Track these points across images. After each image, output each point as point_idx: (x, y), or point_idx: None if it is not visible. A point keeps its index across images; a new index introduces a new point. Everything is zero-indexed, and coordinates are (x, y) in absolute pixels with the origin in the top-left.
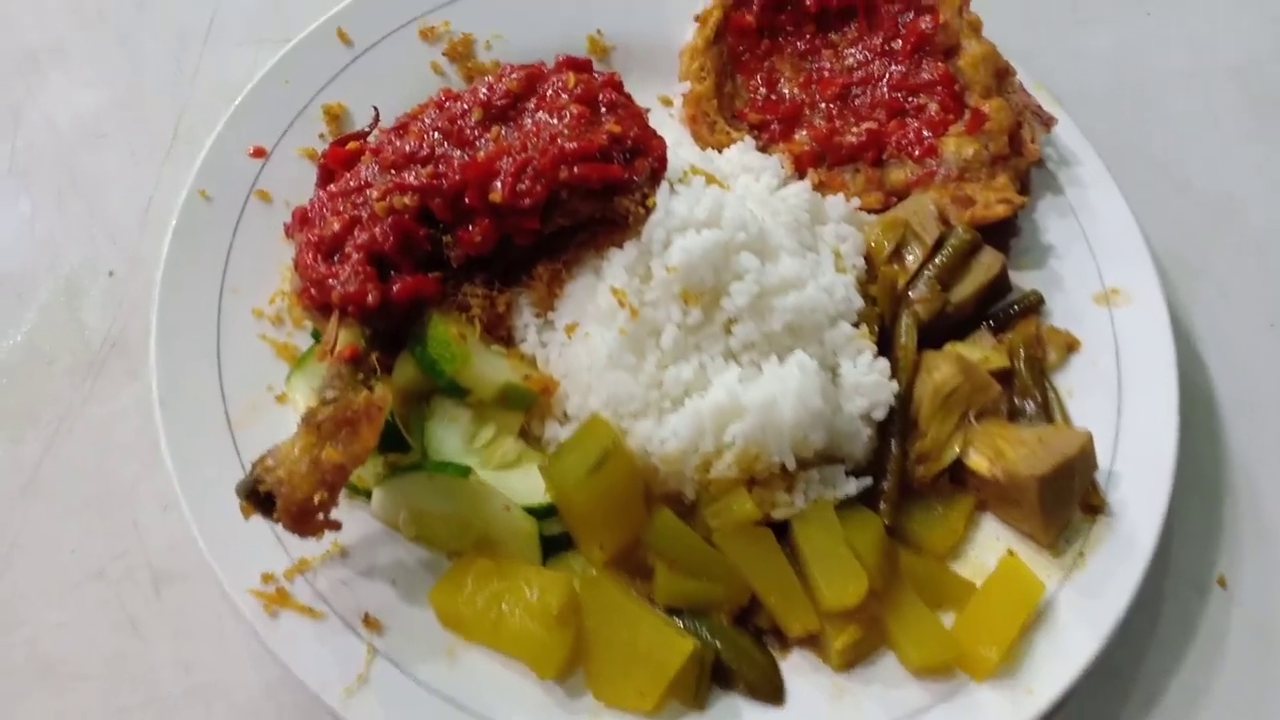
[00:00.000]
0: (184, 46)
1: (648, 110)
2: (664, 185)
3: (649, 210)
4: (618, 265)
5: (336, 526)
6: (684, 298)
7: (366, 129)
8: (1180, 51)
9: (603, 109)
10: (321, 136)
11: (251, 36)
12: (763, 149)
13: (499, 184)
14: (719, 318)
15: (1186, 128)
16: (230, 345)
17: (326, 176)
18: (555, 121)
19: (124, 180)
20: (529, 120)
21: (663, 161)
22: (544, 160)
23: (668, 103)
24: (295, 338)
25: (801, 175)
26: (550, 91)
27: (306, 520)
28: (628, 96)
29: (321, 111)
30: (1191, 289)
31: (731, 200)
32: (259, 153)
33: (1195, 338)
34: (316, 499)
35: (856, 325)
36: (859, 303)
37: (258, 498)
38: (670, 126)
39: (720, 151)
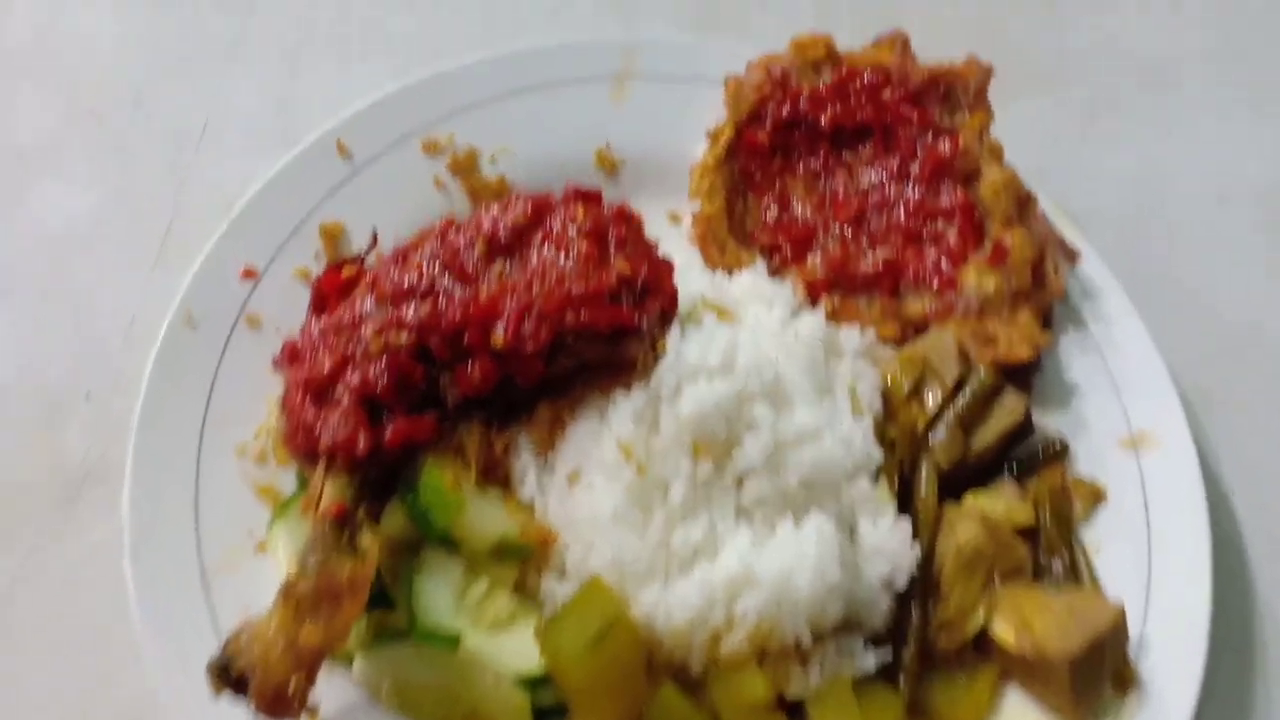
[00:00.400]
0: (179, 149)
1: (657, 243)
2: (675, 327)
3: (659, 355)
4: (624, 412)
5: (314, 713)
6: (695, 450)
7: (363, 253)
8: (1204, 173)
9: (612, 245)
10: (316, 256)
11: (249, 142)
12: (774, 272)
13: (501, 327)
14: (730, 471)
15: (1211, 252)
16: (209, 487)
17: (320, 304)
18: (562, 259)
19: (109, 291)
20: (535, 256)
21: (673, 302)
22: (549, 303)
23: (677, 219)
24: (279, 478)
25: (814, 302)
26: (558, 225)
27: (281, 705)
28: (638, 230)
29: (318, 230)
30: (1217, 422)
31: (745, 343)
32: (250, 274)
33: (1221, 475)
34: (293, 683)
35: (875, 479)
36: (878, 455)
37: (229, 678)
38: (679, 245)
39: (730, 274)
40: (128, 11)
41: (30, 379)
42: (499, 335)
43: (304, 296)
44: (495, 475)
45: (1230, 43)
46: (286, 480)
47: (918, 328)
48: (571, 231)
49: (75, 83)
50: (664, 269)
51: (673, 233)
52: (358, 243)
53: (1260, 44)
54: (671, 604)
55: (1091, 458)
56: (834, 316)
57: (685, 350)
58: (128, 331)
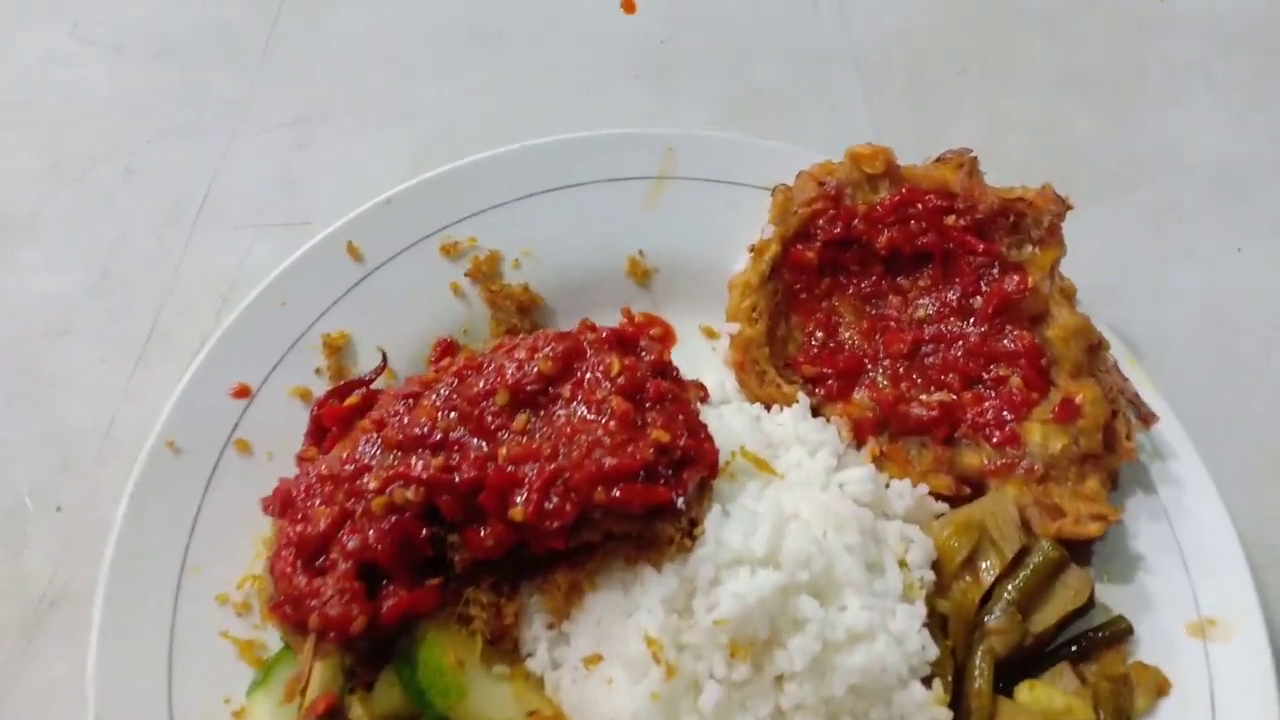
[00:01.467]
0: (171, 225)
1: (697, 387)
2: (715, 509)
3: (695, 538)
4: (654, 596)
5: None
6: (732, 650)
7: (371, 375)
8: (1276, 297)
9: (648, 403)
10: (318, 372)
11: (249, 219)
12: (817, 409)
13: (522, 497)
14: (770, 670)
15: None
16: (185, 645)
17: (319, 433)
18: (593, 417)
19: (87, 388)
20: (562, 412)
21: (714, 469)
22: (578, 475)
23: (713, 335)
24: (263, 631)
25: (860, 442)
26: (590, 376)
27: None
28: (678, 383)
29: (320, 341)
30: None
31: (792, 526)
32: (242, 392)
33: None
34: None
35: (929, 680)
36: (934, 652)
37: None
38: (713, 364)
39: (768, 407)
40: (125, 65)
41: None
42: (519, 509)
43: (301, 418)
44: (503, 642)
45: None
46: (271, 637)
47: (973, 484)
48: (604, 386)
49: (61, 142)
50: (705, 434)
51: (706, 349)
52: (364, 356)
53: None
54: None
55: (1155, 642)
56: (881, 462)
57: (725, 534)
58: (106, 435)
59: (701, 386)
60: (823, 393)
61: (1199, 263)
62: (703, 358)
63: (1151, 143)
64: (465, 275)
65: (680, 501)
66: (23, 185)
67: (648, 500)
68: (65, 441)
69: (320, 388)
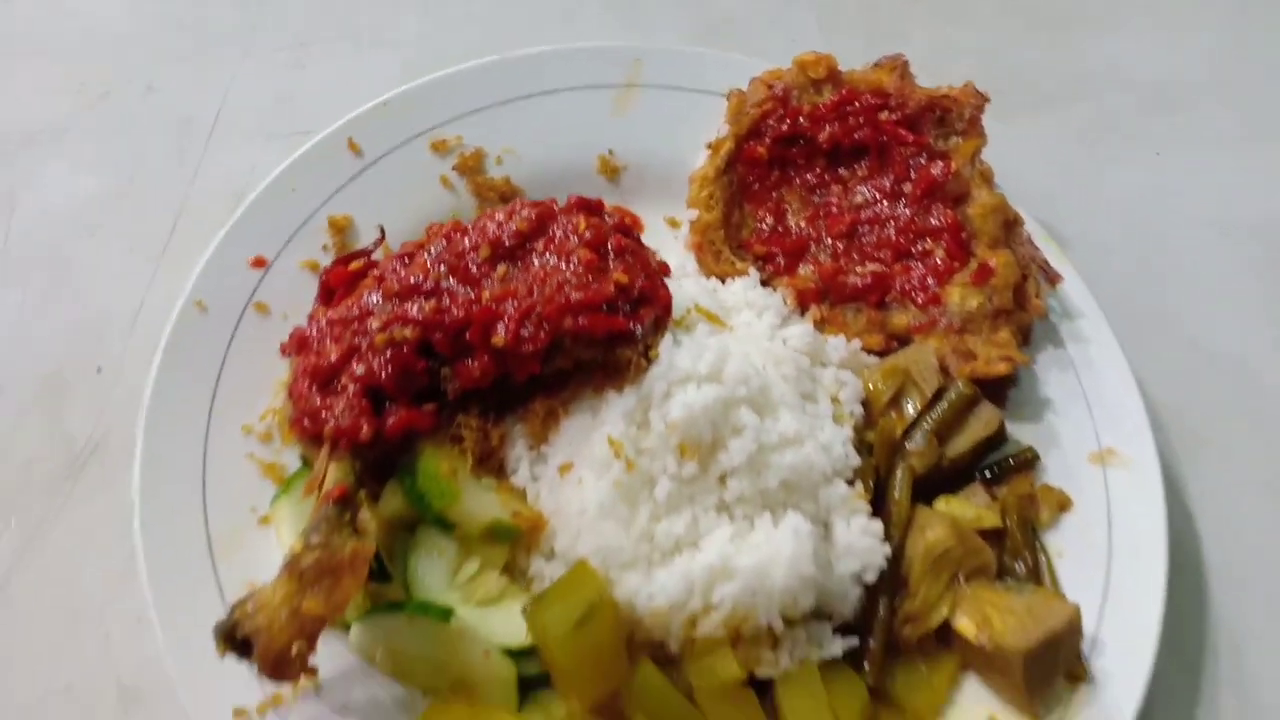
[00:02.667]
0: (189, 136)
1: (657, 255)
2: (668, 337)
3: (651, 361)
4: (616, 411)
5: (313, 673)
6: (681, 451)
7: (371, 247)
8: (1195, 203)
9: (611, 254)
10: (325, 248)
11: (260, 130)
12: (766, 281)
13: (502, 327)
14: (714, 470)
15: (1199, 283)
16: (216, 463)
17: (327, 295)
18: (563, 266)
19: (118, 275)
20: (536, 261)
21: (667, 310)
22: (549, 308)
23: (675, 224)
24: (283, 455)
25: (804, 311)
26: (560, 233)
27: (283, 668)
28: (637, 241)
29: (327, 223)
30: (1191, 449)
31: (734, 352)
32: (259, 263)
33: (1190, 498)
34: (294, 649)
35: (852, 482)
36: (856, 460)
37: (235, 641)
38: (675, 249)
39: (724, 281)
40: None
41: (38, 356)
42: (500, 335)
43: (311, 286)
44: (490, 464)
45: (1226, 73)
46: (290, 459)
47: (901, 340)
48: (573, 240)
49: (86, 67)
50: (660, 280)
51: (670, 238)
52: (365, 236)
53: (1255, 75)
54: (653, 589)
55: (1061, 470)
56: (821, 325)
57: (677, 358)
58: (136, 315)
59: (665, 264)
60: (771, 269)
61: (1126, 171)
62: (666, 244)
63: (1089, 65)
64: (453, 169)
65: (638, 331)
66: (51, 104)
67: (608, 328)
68: (100, 320)
69: (327, 261)
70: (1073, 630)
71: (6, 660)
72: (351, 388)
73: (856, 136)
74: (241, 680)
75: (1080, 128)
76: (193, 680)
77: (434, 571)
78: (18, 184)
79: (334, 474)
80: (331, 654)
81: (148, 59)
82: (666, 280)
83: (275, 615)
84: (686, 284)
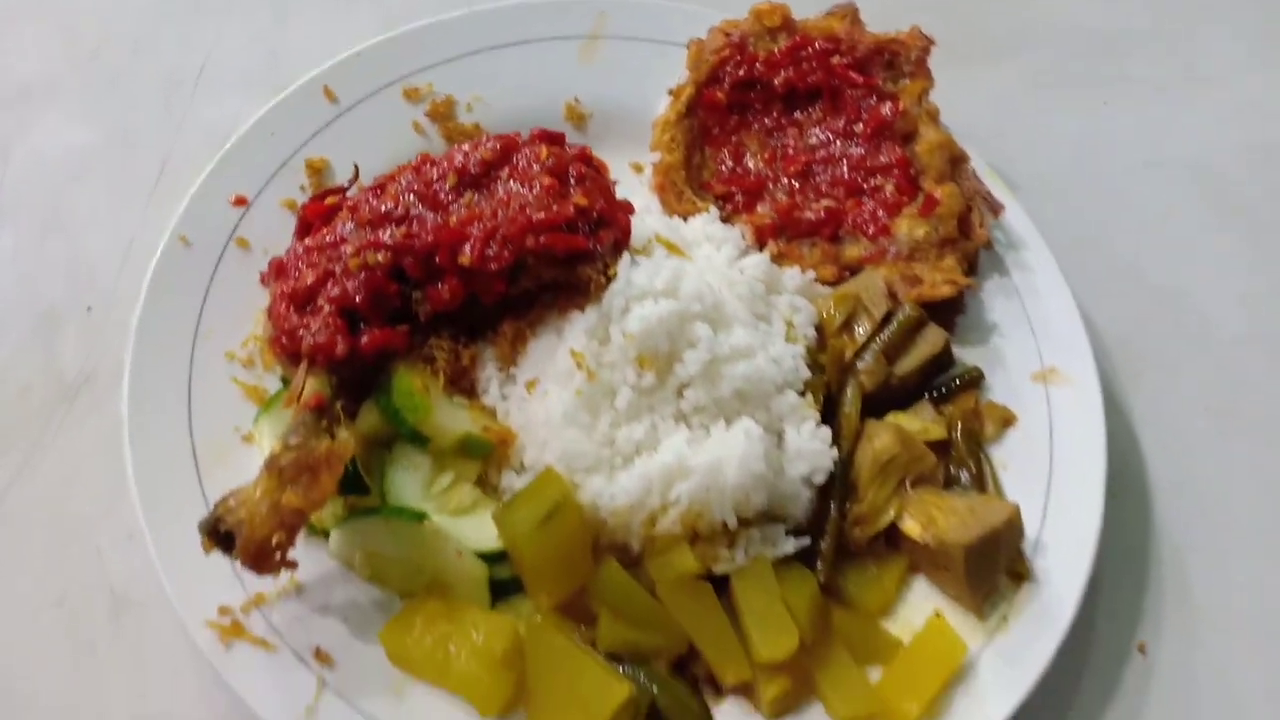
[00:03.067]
0: (174, 91)
1: (616, 183)
2: (626, 256)
3: (610, 279)
4: (578, 328)
5: (293, 566)
6: (639, 362)
7: (346, 184)
8: (1139, 142)
9: (572, 181)
10: (302, 188)
11: (241, 85)
12: (726, 219)
13: (468, 248)
14: (672, 382)
15: (1141, 217)
16: (201, 386)
17: (304, 228)
18: (525, 191)
19: (108, 219)
20: (501, 188)
21: (626, 233)
22: (512, 228)
23: (639, 169)
24: (265, 381)
25: (761, 246)
26: (523, 162)
27: (264, 559)
28: (597, 169)
29: (304, 164)
30: (1134, 371)
31: (690, 272)
32: (240, 201)
33: (1134, 417)
34: (275, 540)
35: (803, 394)
36: (805, 373)
37: (218, 535)
38: (639, 193)
39: (685, 219)
40: None
41: (32, 294)
42: (466, 255)
43: (290, 224)
44: (461, 385)
45: (1168, 22)
46: (272, 383)
47: (853, 271)
48: (535, 168)
49: (75, 26)
50: (619, 204)
51: (634, 181)
52: (341, 178)
53: (1195, 23)
54: (614, 490)
55: (1005, 389)
56: (778, 259)
57: (634, 276)
58: (125, 255)
59: (628, 203)
60: (730, 208)
61: (1072, 115)
62: (631, 188)
63: (1036, 14)
64: (425, 115)
65: (598, 251)
66: (44, 59)
67: (569, 246)
68: (91, 260)
69: (305, 200)
70: (1012, 527)
71: (4, 575)
72: (327, 308)
73: (810, 80)
74: (227, 585)
75: (1027, 76)
76: (181, 585)
77: (409, 484)
78: (12, 136)
79: (311, 386)
80: (312, 560)
81: (135, 19)
82: (630, 217)
83: (256, 509)
84: (649, 220)
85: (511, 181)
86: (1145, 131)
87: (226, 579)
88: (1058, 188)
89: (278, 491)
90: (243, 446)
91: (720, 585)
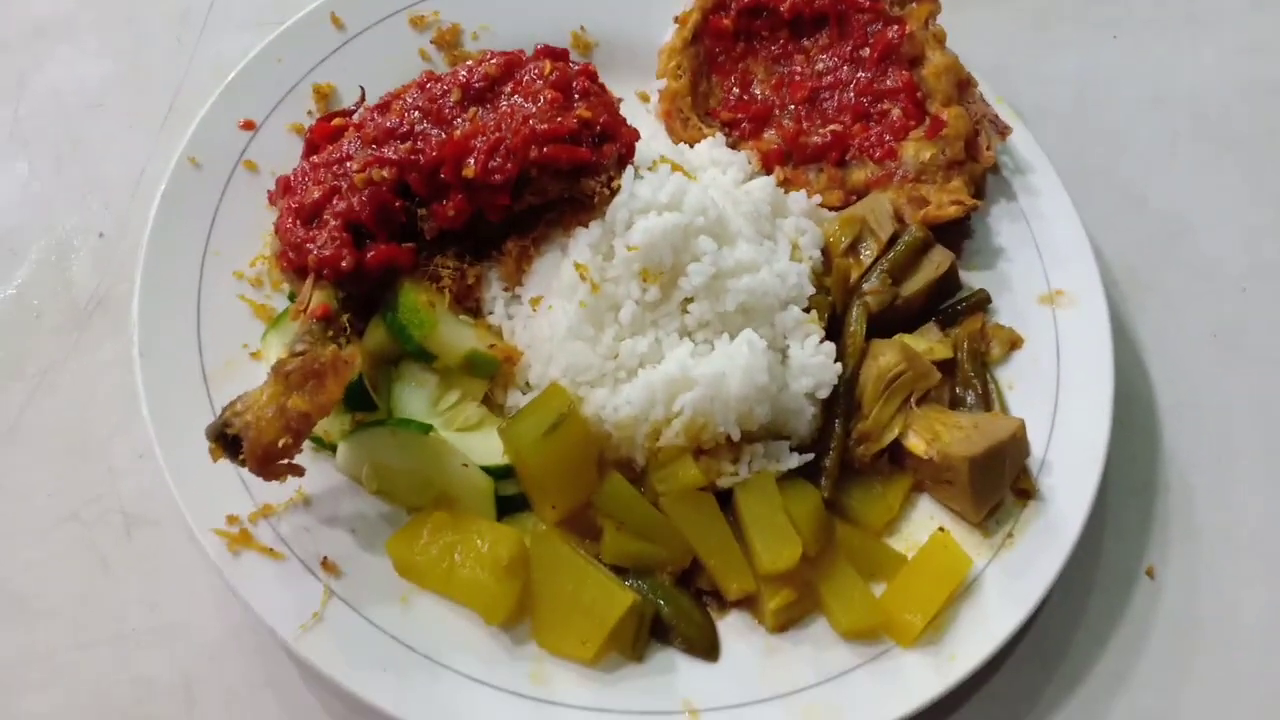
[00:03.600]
0: (186, 26)
1: (620, 100)
2: (630, 170)
3: (614, 192)
4: (582, 242)
5: (299, 471)
6: (643, 276)
7: (353, 107)
8: (1143, 79)
9: (576, 96)
10: (310, 113)
11: (251, 19)
12: (732, 145)
13: (473, 160)
14: (676, 296)
15: (1145, 151)
16: (210, 304)
17: (311, 149)
18: (529, 105)
19: (120, 148)
20: (505, 103)
21: (630, 148)
22: (516, 140)
23: (645, 98)
24: (273, 299)
25: (768, 172)
26: (527, 78)
27: (271, 463)
28: (601, 86)
29: (311, 90)
30: (1140, 299)
31: (694, 187)
32: (249, 125)
33: (1140, 344)
34: (281, 444)
35: (807, 311)
36: (810, 289)
37: (225, 440)
38: (646, 120)
39: (692, 146)
40: None
41: (46, 222)
42: (470, 167)
43: (298, 148)
44: (466, 304)
45: None
46: (279, 302)
47: (860, 195)
48: (539, 83)
49: None
50: (623, 119)
51: (641, 110)
52: (347, 104)
53: None
54: (618, 402)
55: (1011, 311)
56: (785, 186)
57: (638, 190)
58: (137, 183)
59: (634, 130)
60: (737, 134)
61: (1077, 51)
62: (638, 117)
63: None
64: (431, 43)
65: (602, 162)
66: None
67: (572, 158)
68: (104, 188)
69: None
70: (1018, 441)
71: (17, 492)
72: (333, 222)
73: (816, 6)
74: (236, 498)
75: (1034, 11)
76: (192, 497)
77: (416, 400)
78: (28, 68)
79: (318, 298)
80: (320, 475)
81: None
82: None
83: (262, 413)
84: (656, 145)
85: (515, 96)
86: (1149, 69)
87: (236, 492)
88: (1060, 119)
89: (284, 396)
90: (251, 363)
91: (725, 503)
